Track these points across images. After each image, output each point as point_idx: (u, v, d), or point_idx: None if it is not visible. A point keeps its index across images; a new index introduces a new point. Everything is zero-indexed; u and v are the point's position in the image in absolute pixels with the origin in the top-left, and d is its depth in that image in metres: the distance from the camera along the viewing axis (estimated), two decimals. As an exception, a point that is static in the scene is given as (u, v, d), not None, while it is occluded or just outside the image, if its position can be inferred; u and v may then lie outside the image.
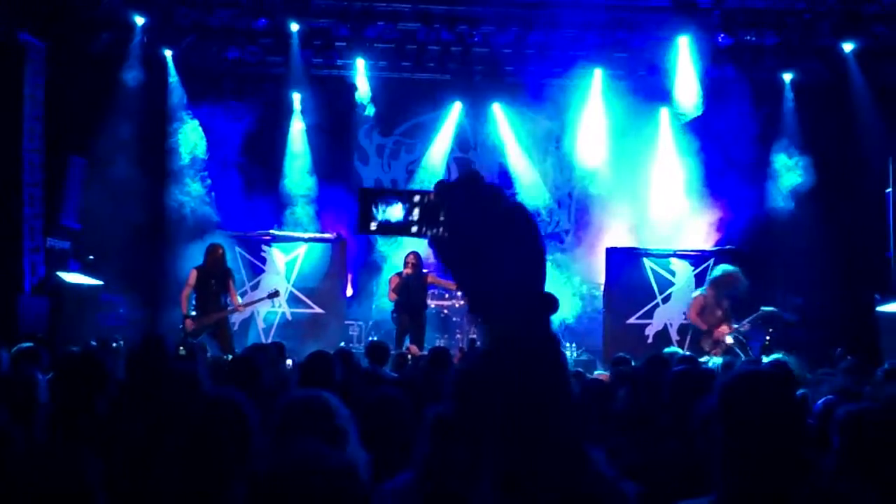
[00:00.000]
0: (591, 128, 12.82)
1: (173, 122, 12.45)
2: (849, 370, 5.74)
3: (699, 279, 11.14)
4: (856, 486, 2.35)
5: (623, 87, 12.56)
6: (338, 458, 1.60)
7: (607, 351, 10.53)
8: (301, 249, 11.62)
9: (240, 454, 2.09)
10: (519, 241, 1.10)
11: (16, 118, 9.72)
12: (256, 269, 11.61)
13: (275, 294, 10.48)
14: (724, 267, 10.01)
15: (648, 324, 11.30)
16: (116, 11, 11.10)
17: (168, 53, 12.26)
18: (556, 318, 1.14)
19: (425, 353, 8.85)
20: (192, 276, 9.71)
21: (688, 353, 7.53)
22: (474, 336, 10.34)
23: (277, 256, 11.63)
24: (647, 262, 11.43)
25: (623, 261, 11.42)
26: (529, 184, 13.43)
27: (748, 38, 11.45)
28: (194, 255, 10.78)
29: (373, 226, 1.22)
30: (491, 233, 1.09)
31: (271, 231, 12.02)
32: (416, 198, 1.20)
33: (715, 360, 7.63)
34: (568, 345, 11.72)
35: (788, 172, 12.01)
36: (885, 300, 10.01)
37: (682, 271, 11.41)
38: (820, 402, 3.43)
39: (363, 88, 12.84)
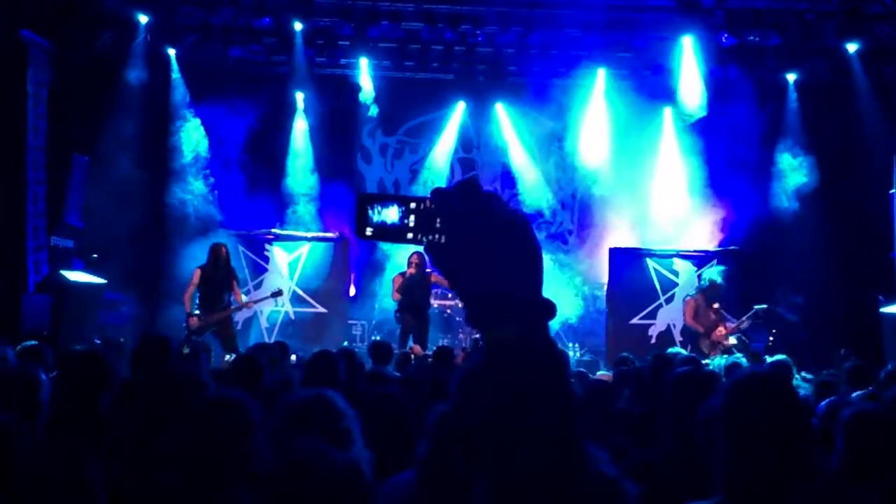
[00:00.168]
0: (595, 128, 12.82)
1: (176, 121, 12.47)
2: (852, 371, 5.73)
3: (702, 280, 11.14)
4: (859, 487, 2.34)
5: (626, 87, 12.55)
6: (342, 459, 1.61)
7: (610, 351, 10.53)
8: (304, 249, 11.63)
9: (243, 453, 2.09)
10: (516, 248, 1.10)
11: (20, 116, 9.73)
12: (259, 268, 11.62)
13: (278, 293, 10.50)
14: (709, 277, 10.08)
15: (651, 324, 11.30)
16: (120, 10, 11.11)
17: (171, 52, 12.28)
18: (558, 319, 1.14)
19: (429, 352, 8.87)
20: (196, 275, 9.73)
21: (691, 353, 7.51)
22: (477, 336, 10.34)
23: (280, 255, 11.64)
24: (650, 263, 11.43)
25: (626, 261, 11.41)
26: (532, 184, 13.43)
27: (751, 38, 11.42)
28: (197, 254, 10.79)
29: (368, 231, 1.21)
30: (488, 239, 1.09)
31: (274, 230, 12.03)
32: (413, 204, 1.19)
33: (717, 362, 7.62)
34: (571, 345, 11.72)
35: (792, 172, 12.00)
36: (889, 301, 10.00)
37: (685, 272, 11.40)
38: (824, 402, 3.43)
39: (367, 88, 12.85)
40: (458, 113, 13.45)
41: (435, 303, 11.13)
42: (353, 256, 12.12)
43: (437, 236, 1.15)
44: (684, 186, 12.37)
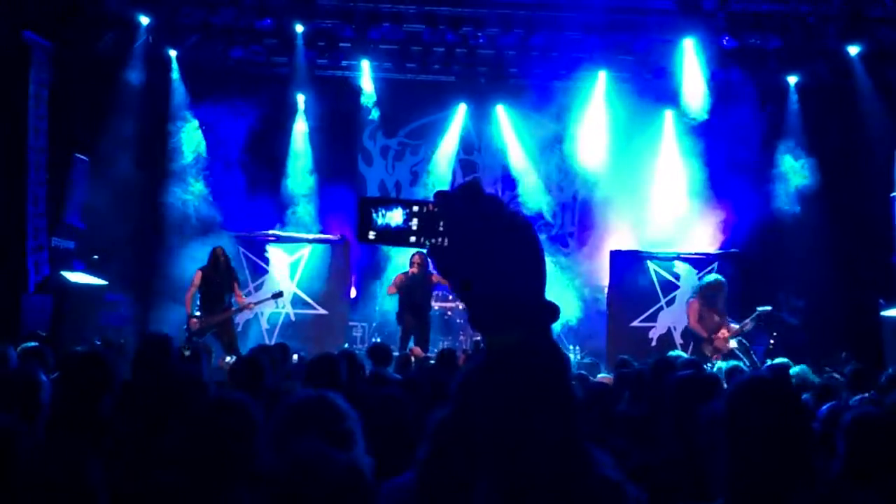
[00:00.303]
0: (595, 130, 12.81)
1: (176, 122, 12.47)
2: (852, 375, 5.72)
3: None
4: (861, 491, 2.34)
5: (627, 89, 12.55)
6: (344, 460, 1.60)
7: (611, 354, 10.52)
8: (305, 250, 11.63)
9: (244, 455, 2.08)
10: (519, 251, 1.09)
11: (21, 117, 9.74)
12: (260, 269, 11.62)
13: (279, 295, 10.50)
14: (707, 279, 10.06)
15: (652, 327, 11.29)
16: (121, 11, 11.11)
17: (172, 53, 12.28)
18: (559, 322, 1.14)
19: (430, 354, 8.86)
20: (198, 277, 9.76)
21: (692, 357, 7.51)
22: (478, 338, 10.34)
23: (281, 257, 11.64)
24: (650, 265, 11.42)
25: (627, 263, 11.41)
26: (533, 186, 13.43)
27: (752, 40, 11.43)
28: (198, 255, 10.79)
29: (371, 235, 1.21)
30: (490, 242, 1.08)
31: (275, 232, 12.02)
32: (416, 207, 1.20)
33: (719, 365, 7.62)
34: (571, 347, 11.72)
35: (793, 175, 12.00)
36: (890, 304, 9.99)
37: (686, 274, 11.39)
38: (825, 406, 3.43)
39: (367, 90, 12.85)
40: (459, 115, 13.45)
41: (436, 305, 11.13)
42: (354, 258, 12.12)
43: (439, 239, 1.15)
44: (685, 189, 12.37)
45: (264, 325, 11.26)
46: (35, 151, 9.98)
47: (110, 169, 11.32)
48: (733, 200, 11.96)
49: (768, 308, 9.76)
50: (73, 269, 10.34)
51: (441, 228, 1.16)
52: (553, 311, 1.08)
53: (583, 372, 7.25)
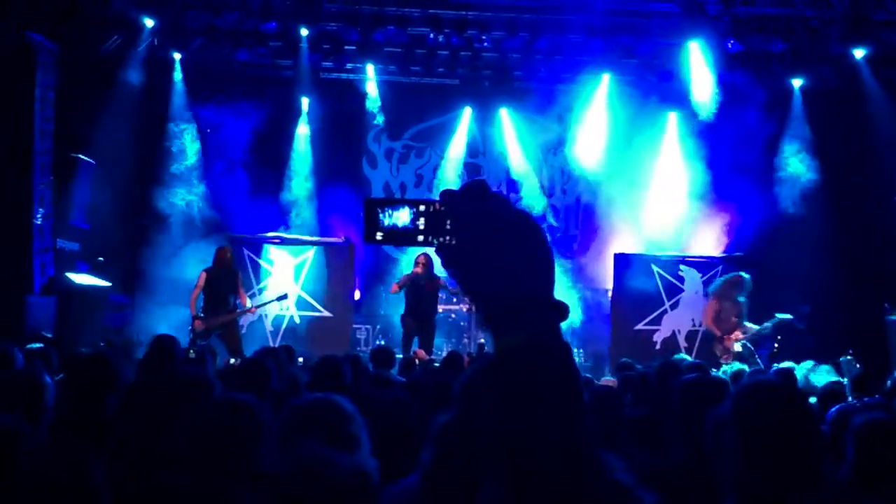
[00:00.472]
0: (599, 133, 12.81)
1: (181, 124, 12.49)
2: (857, 380, 5.71)
3: (708, 286, 11.11)
4: (870, 496, 2.33)
5: (631, 92, 12.56)
6: (350, 463, 1.60)
7: (614, 357, 10.49)
8: (309, 253, 11.63)
9: (251, 456, 2.08)
10: (527, 248, 1.09)
11: (27, 119, 9.77)
12: (264, 271, 11.62)
13: (283, 297, 10.50)
14: (723, 277, 9.99)
15: (656, 330, 11.26)
16: (126, 13, 11.14)
17: (176, 56, 12.31)
18: (564, 324, 1.13)
19: (433, 357, 8.85)
20: (202, 278, 9.77)
21: (697, 359, 7.49)
22: (482, 341, 10.33)
23: (286, 259, 11.64)
24: (655, 269, 11.40)
25: (631, 267, 11.38)
26: (537, 189, 13.43)
27: (757, 44, 11.43)
28: (202, 257, 10.80)
29: (379, 235, 1.21)
30: (498, 240, 1.08)
31: (280, 234, 12.03)
32: (423, 207, 1.20)
33: (724, 368, 7.59)
34: (575, 350, 11.70)
35: (798, 178, 11.98)
36: (896, 309, 9.97)
37: (691, 278, 11.37)
38: (833, 409, 3.41)
39: (372, 94, 12.87)
40: (465, 119, 13.47)
41: (439, 307, 11.11)
42: (358, 261, 12.12)
43: (447, 238, 1.15)
44: (689, 192, 12.35)
45: (268, 328, 11.26)
46: (40, 153, 10.01)
47: (114, 171, 11.35)
48: (738, 203, 11.94)
49: (789, 317, 9.66)
50: (77, 270, 10.36)
51: (448, 227, 1.15)
52: (562, 310, 1.07)
53: (587, 375, 7.25)
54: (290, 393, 4.40)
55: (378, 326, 12.27)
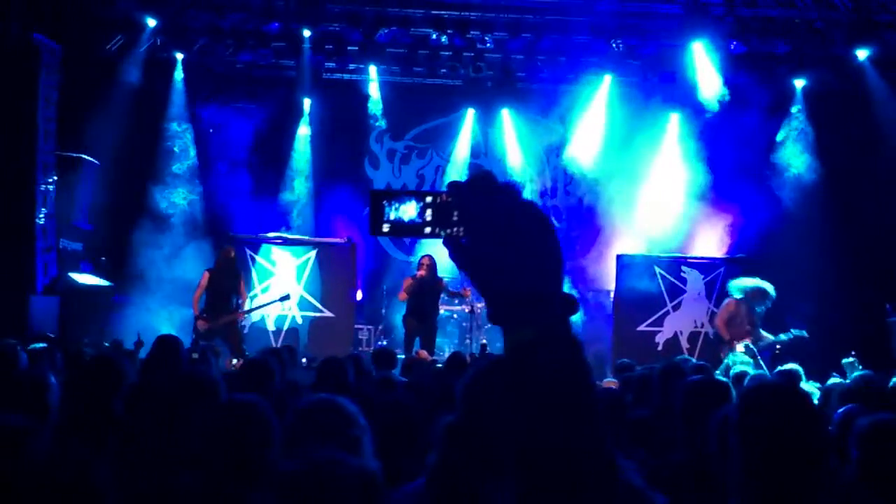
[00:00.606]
0: (602, 134, 12.81)
1: (183, 124, 12.51)
2: (860, 381, 5.69)
3: (710, 287, 11.11)
4: (876, 498, 2.33)
5: (634, 93, 12.55)
6: (358, 465, 1.60)
7: (616, 358, 10.49)
8: (312, 253, 11.63)
9: (260, 459, 2.08)
10: (536, 241, 1.07)
11: (30, 119, 9.79)
12: (267, 272, 11.63)
13: (286, 297, 10.51)
14: (757, 282, 9.74)
15: (659, 331, 11.25)
16: (129, 14, 11.16)
17: (179, 56, 12.32)
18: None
19: (435, 358, 8.85)
20: (205, 278, 9.78)
21: (701, 361, 7.48)
22: (484, 341, 10.33)
23: (288, 260, 11.64)
24: (657, 270, 11.39)
25: (633, 268, 11.37)
26: (539, 190, 13.43)
27: (760, 45, 11.43)
28: (204, 257, 10.80)
29: (385, 227, 1.20)
30: (506, 233, 1.06)
31: (282, 234, 12.04)
32: (429, 198, 1.18)
33: (731, 361, 7.56)
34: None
35: (800, 180, 11.97)
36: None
37: (693, 279, 11.36)
38: (840, 410, 3.41)
39: (374, 95, 12.89)
40: (468, 120, 13.48)
41: (441, 308, 11.12)
42: (360, 261, 12.12)
43: (454, 230, 1.14)
44: (692, 193, 12.35)
45: (270, 328, 11.26)
46: (44, 153, 10.03)
47: (117, 171, 11.36)
48: (740, 204, 11.93)
49: (804, 334, 9.55)
50: (80, 270, 10.38)
51: (455, 219, 1.15)
52: (572, 304, 1.05)
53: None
54: (292, 393, 4.41)
55: (380, 327, 12.27)
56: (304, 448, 2.07)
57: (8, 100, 9.57)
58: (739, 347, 9.39)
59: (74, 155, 10.66)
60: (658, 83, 12.36)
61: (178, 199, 12.24)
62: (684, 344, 11.02)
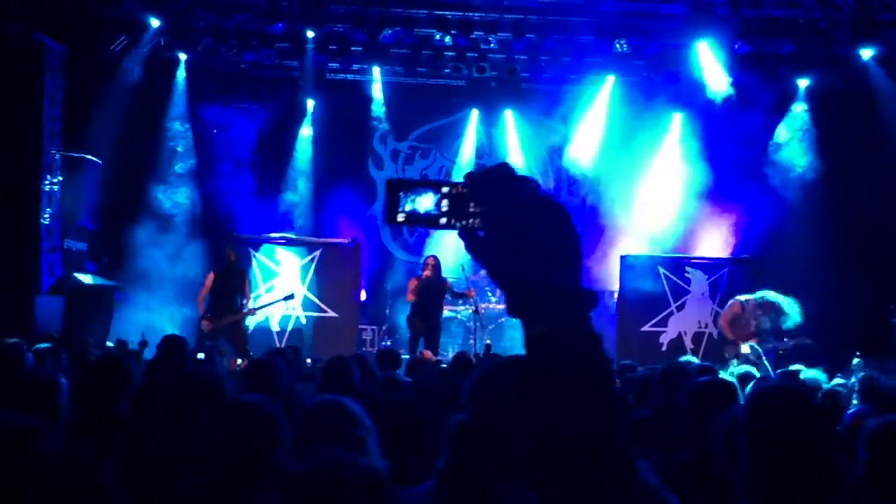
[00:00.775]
0: (604, 134, 12.80)
1: (186, 124, 12.52)
2: (864, 383, 5.69)
3: (714, 287, 11.09)
4: (882, 498, 2.33)
5: (636, 93, 12.54)
6: (366, 466, 1.60)
7: (620, 359, 10.48)
8: (316, 253, 11.64)
9: (268, 459, 2.09)
10: (554, 234, 1.06)
11: (35, 119, 9.81)
12: (271, 272, 11.64)
13: (290, 297, 10.51)
14: (773, 295, 9.64)
15: (663, 331, 11.24)
16: (133, 14, 11.18)
17: (183, 56, 12.33)
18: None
19: (439, 358, 8.85)
20: (209, 279, 9.79)
21: (705, 362, 7.47)
22: (489, 341, 10.32)
23: (292, 260, 11.65)
24: (661, 270, 11.38)
25: (636, 268, 11.37)
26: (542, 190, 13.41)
27: (764, 45, 11.42)
28: (208, 257, 10.80)
29: (400, 217, 1.18)
30: (524, 224, 1.05)
31: (286, 234, 12.05)
32: (445, 189, 1.16)
33: (736, 369, 7.56)
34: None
35: (804, 179, 11.95)
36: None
37: (697, 279, 11.35)
38: (849, 411, 3.41)
39: (378, 96, 12.89)
40: (473, 121, 13.49)
41: (445, 308, 11.11)
42: (364, 261, 12.13)
43: (470, 221, 1.13)
44: (695, 193, 12.33)
45: (275, 328, 11.27)
46: (49, 154, 10.05)
47: (121, 171, 11.38)
48: (744, 204, 11.92)
49: (809, 341, 9.50)
50: (85, 270, 10.39)
51: (471, 210, 1.13)
52: (592, 298, 1.04)
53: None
54: (298, 393, 4.42)
55: (384, 327, 12.27)
56: (310, 449, 2.07)
57: (12, 100, 9.59)
58: (745, 348, 9.37)
59: (78, 155, 10.67)
60: (661, 83, 12.35)
61: (180, 198, 12.25)
62: (688, 344, 11.01)
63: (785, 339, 9.53)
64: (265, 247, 11.66)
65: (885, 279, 10.88)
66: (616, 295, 11.72)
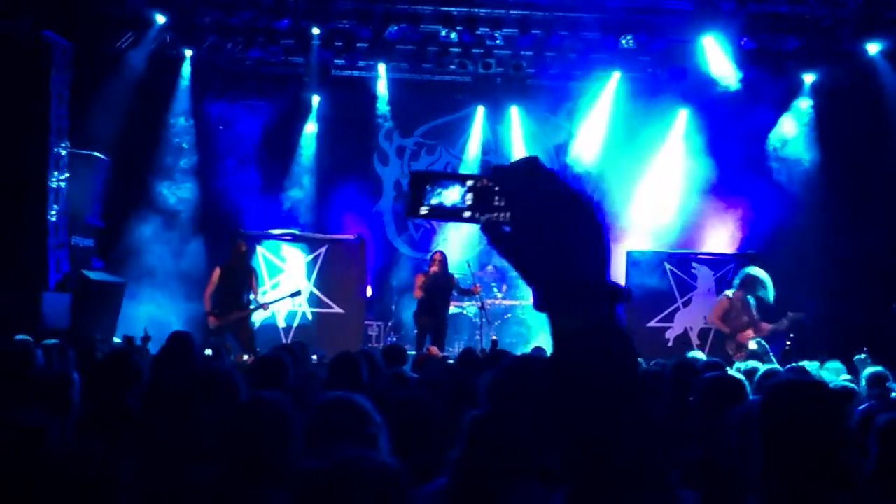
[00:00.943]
0: (610, 130, 12.78)
1: (192, 120, 12.54)
2: (871, 379, 5.69)
3: (720, 283, 11.08)
4: (893, 493, 2.33)
5: (643, 89, 12.52)
6: (382, 462, 1.61)
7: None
8: (322, 249, 11.65)
9: (281, 455, 2.09)
10: (582, 229, 1.04)
11: (42, 116, 9.84)
12: (277, 268, 11.66)
13: (297, 293, 10.52)
14: (749, 269, 9.79)
15: (669, 327, 11.24)
16: (138, 11, 11.19)
17: (189, 53, 12.35)
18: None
19: (446, 354, 8.86)
20: (216, 275, 9.79)
21: (712, 357, 7.46)
22: (495, 337, 10.32)
23: (298, 256, 11.67)
24: (667, 266, 11.37)
25: (643, 264, 11.36)
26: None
27: (770, 41, 11.38)
28: (215, 253, 10.81)
29: (423, 210, 1.16)
30: (552, 218, 1.03)
31: (292, 231, 12.06)
32: (470, 182, 1.15)
33: (738, 366, 7.56)
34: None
35: (810, 176, 11.92)
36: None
37: (704, 275, 11.34)
38: (860, 407, 3.41)
39: (383, 92, 12.89)
40: (479, 117, 13.48)
41: (451, 304, 11.12)
42: (370, 257, 12.14)
43: (496, 215, 1.12)
44: (701, 189, 12.31)
45: (281, 324, 11.29)
46: (56, 150, 10.08)
47: (128, 167, 11.40)
48: (751, 200, 11.90)
49: (801, 315, 9.53)
50: (92, 267, 10.42)
51: (497, 203, 1.13)
52: (620, 293, 1.02)
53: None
54: (306, 390, 4.42)
55: (390, 323, 12.29)
56: (320, 446, 2.07)
57: (20, 97, 9.61)
58: (752, 344, 9.35)
59: (86, 152, 10.70)
60: (667, 79, 12.33)
61: (186, 194, 12.27)
62: (695, 340, 11.01)
63: (782, 321, 9.49)
64: (271, 243, 11.69)
65: (891, 274, 10.84)
66: (622, 291, 11.70)
